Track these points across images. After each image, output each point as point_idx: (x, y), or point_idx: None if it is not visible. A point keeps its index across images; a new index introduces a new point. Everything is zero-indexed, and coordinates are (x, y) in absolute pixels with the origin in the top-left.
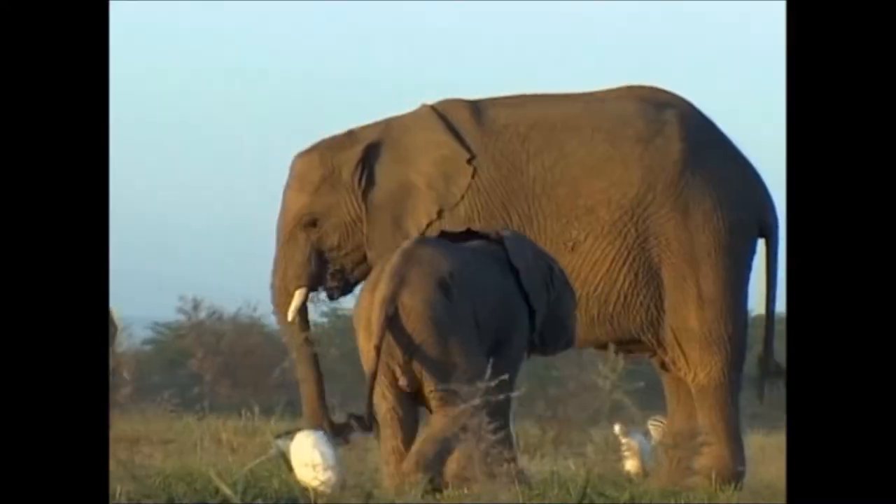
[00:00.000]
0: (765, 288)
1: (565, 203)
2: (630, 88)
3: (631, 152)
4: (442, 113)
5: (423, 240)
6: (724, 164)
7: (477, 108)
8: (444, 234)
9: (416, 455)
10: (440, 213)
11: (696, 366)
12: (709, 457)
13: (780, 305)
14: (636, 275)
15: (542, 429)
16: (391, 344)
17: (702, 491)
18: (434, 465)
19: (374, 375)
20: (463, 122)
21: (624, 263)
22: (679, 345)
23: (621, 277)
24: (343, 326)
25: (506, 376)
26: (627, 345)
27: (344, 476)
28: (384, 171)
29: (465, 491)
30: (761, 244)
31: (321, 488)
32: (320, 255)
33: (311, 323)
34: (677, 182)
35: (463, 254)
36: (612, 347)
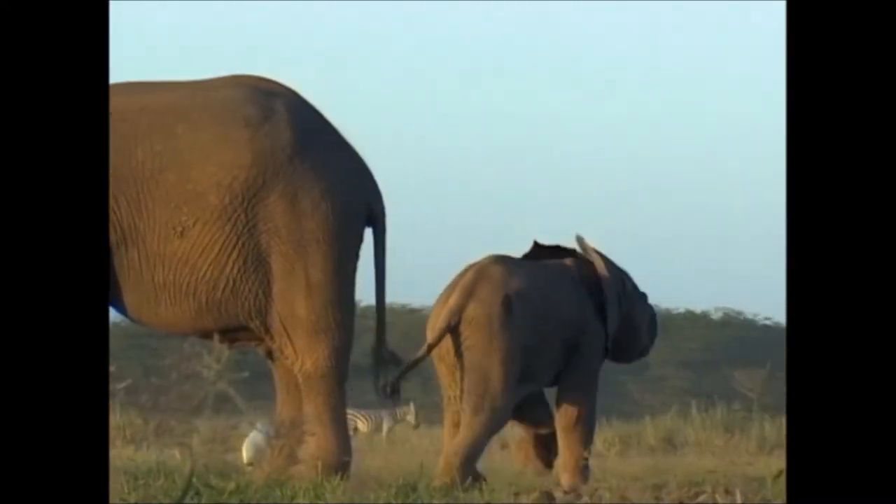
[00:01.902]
0: (374, 277)
1: (174, 188)
2: (236, 77)
3: (240, 136)
4: None
5: (496, 258)
6: (333, 152)
7: None
8: (528, 255)
9: (452, 457)
10: None
11: (303, 354)
12: (314, 446)
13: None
14: (245, 261)
15: (145, 419)
16: (451, 351)
17: (306, 480)
18: (469, 467)
19: (416, 362)
20: None
21: (233, 249)
22: (286, 332)
23: (230, 263)
24: None
25: (584, 399)
26: (235, 332)
27: None
28: None
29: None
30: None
31: None
32: None
33: None
34: (286, 168)
35: (532, 272)
36: (216, 336)
